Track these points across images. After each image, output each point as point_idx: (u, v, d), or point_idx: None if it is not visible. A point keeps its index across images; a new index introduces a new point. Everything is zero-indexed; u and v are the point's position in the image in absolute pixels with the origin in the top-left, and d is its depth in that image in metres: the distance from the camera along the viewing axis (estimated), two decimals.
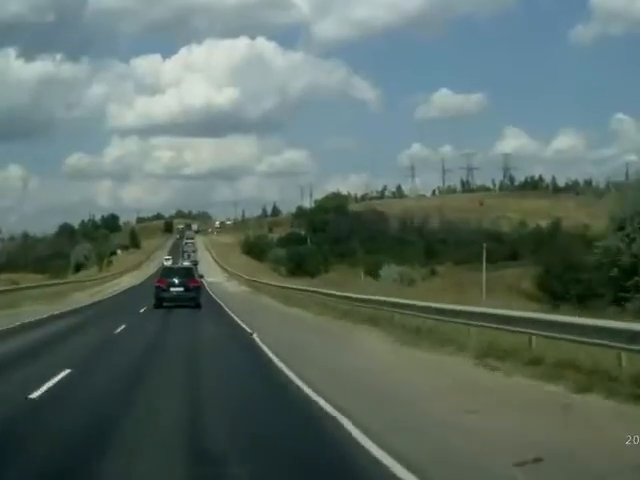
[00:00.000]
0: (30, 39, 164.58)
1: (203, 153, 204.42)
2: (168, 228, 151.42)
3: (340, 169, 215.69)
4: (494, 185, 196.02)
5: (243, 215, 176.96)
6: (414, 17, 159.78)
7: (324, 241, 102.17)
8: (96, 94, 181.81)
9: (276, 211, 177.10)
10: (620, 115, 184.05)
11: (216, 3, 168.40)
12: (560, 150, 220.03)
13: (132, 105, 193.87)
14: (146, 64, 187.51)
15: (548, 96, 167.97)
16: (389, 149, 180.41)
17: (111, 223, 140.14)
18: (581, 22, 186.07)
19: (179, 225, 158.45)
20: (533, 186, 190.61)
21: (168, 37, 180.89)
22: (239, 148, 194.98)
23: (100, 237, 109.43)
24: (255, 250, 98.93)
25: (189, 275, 29.27)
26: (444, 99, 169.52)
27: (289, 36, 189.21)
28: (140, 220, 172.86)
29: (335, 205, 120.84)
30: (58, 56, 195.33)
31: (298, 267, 78.79)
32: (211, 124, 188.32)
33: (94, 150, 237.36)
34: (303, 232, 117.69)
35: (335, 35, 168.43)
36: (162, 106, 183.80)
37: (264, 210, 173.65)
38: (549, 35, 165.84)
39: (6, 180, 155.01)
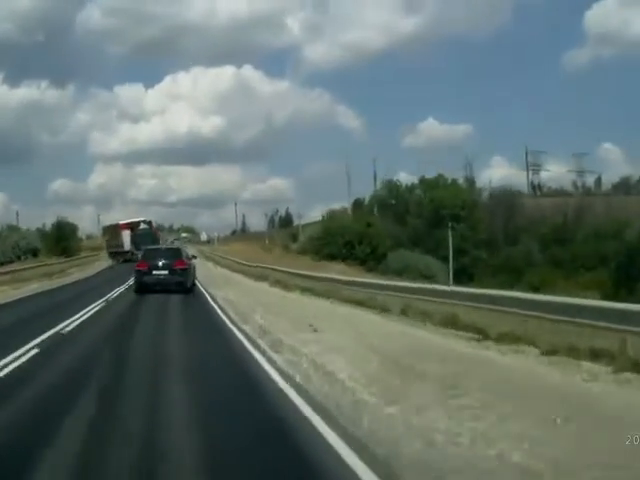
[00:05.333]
0: (16, 63, 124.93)
1: (187, 181, 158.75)
2: None
3: (324, 197, 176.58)
4: (576, 187, 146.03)
5: (244, 224, 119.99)
6: (403, 42, 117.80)
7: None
8: (80, 121, 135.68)
9: (288, 218, 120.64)
10: (608, 145, 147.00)
11: (204, 25, 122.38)
12: (544, 179, 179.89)
13: (116, 132, 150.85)
14: (132, 92, 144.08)
15: (536, 125, 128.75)
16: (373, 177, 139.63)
17: (63, 231, 78.71)
18: (575, 47, 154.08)
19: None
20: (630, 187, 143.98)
21: (154, 62, 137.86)
22: (223, 176, 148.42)
23: None
24: (333, 252, 43.14)
25: (176, 256, 25.11)
26: (430, 128, 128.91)
27: (276, 62, 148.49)
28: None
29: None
30: (43, 83, 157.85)
31: None
32: (195, 152, 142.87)
33: (77, 177, 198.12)
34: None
35: (322, 61, 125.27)
36: (146, 134, 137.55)
37: (271, 219, 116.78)
38: (541, 61, 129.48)
39: None
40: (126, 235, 55.21)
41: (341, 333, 12.68)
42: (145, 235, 52.52)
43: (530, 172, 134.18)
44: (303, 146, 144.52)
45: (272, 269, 33.19)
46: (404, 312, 15.10)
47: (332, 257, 44.60)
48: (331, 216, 57.54)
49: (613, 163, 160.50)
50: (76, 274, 39.80)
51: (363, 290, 19.23)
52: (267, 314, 16.43)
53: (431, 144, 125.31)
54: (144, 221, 59.10)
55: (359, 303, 18.06)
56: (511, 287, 37.53)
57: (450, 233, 47.09)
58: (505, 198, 68.67)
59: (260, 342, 12.16)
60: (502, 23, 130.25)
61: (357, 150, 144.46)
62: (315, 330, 13.19)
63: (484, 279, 50.26)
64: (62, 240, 54.72)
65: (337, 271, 34.33)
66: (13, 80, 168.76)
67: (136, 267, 25.03)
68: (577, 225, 70.00)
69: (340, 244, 47.67)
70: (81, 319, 15.99)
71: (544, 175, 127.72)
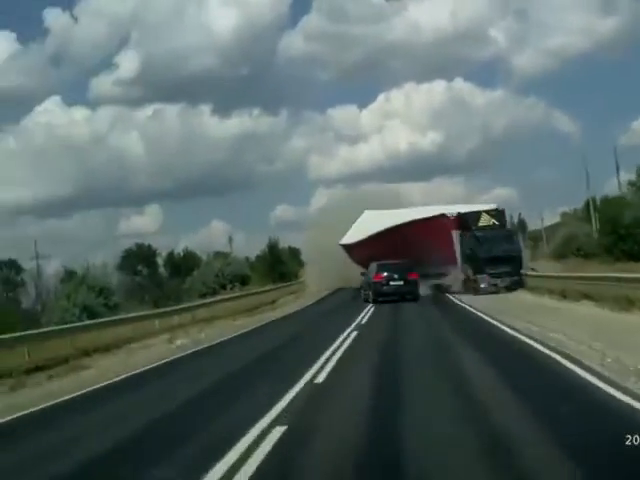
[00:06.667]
0: (224, 94, 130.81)
1: (413, 196, 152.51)
2: None
3: (549, 202, 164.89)
4: None
5: None
6: (607, 41, 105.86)
7: None
8: (297, 145, 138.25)
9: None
10: None
11: (409, 42, 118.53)
12: None
13: (335, 155, 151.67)
14: (346, 113, 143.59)
15: None
16: (596, 180, 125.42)
17: (278, 254, 74.45)
18: None
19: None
20: None
21: (363, 82, 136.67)
22: (448, 189, 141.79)
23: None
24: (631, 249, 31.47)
25: (408, 269, 28.13)
26: None
27: (486, 73, 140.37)
28: None
29: None
30: (255, 111, 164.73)
31: None
32: (417, 168, 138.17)
33: (299, 202, 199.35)
34: None
35: (532, 68, 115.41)
36: (366, 154, 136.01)
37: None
38: None
39: (211, 236, 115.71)
40: (455, 239, 32.06)
41: None
42: (494, 240, 30.07)
43: None
44: (523, 154, 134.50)
45: (588, 279, 22.08)
46: None
47: (630, 256, 32.28)
48: (608, 203, 44.58)
49: None
50: (279, 309, 30.87)
51: None
52: None
53: None
54: (488, 212, 32.22)
55: None
56: None
57: None
58: None
59: None
60: None
61: (574, 153, 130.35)
62: None
63: None
64: (278, 264, 48.12)
65: None
66: (224, 111, 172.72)
67: (374, 279, 28.11)
68: None
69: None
70: None
71: None
